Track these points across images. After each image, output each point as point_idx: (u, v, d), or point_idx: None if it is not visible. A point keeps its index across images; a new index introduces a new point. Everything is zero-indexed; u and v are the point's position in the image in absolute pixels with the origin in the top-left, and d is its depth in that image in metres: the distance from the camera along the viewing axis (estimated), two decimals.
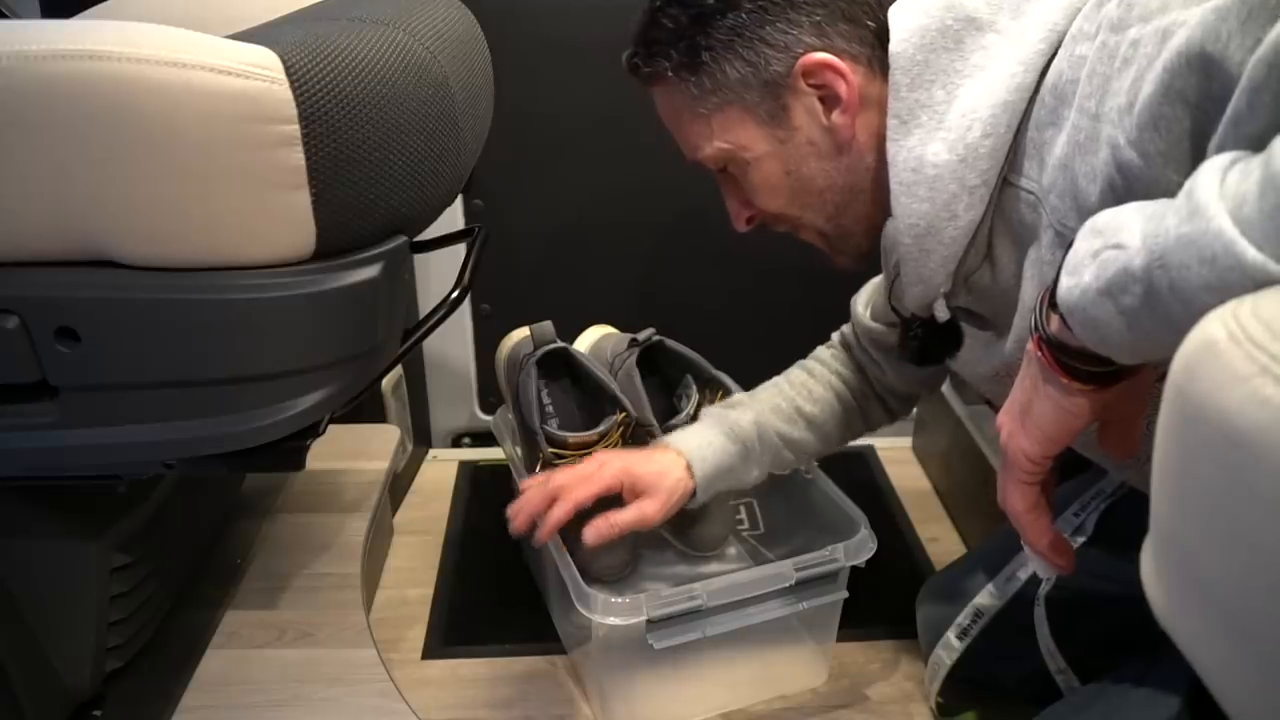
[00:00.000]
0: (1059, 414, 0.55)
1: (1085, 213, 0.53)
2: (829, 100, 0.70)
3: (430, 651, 1.03)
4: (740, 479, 0.90)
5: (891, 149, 0.67)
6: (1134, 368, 0.52)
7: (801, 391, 0.94)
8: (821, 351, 0.99)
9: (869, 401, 0.96)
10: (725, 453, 0.88)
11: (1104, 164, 0.53)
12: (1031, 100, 0.62)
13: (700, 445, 0.87)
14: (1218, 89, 0.45)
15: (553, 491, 0.83)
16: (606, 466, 0.84)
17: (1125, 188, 0.52)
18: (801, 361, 0.99)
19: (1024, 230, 0.64)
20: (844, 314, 1.01)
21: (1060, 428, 0.55)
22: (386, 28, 0.67)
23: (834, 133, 0.71)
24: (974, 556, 1.00)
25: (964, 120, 0.63)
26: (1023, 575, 0.88)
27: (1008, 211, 0.65)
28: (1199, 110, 0.47)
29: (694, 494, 0.86)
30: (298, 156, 0.59)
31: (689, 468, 0.85)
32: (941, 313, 0.73)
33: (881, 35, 0.69)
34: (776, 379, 0.97)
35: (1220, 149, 0.45)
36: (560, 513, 0.81)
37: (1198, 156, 0.47)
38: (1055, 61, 0.60)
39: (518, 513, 0.84)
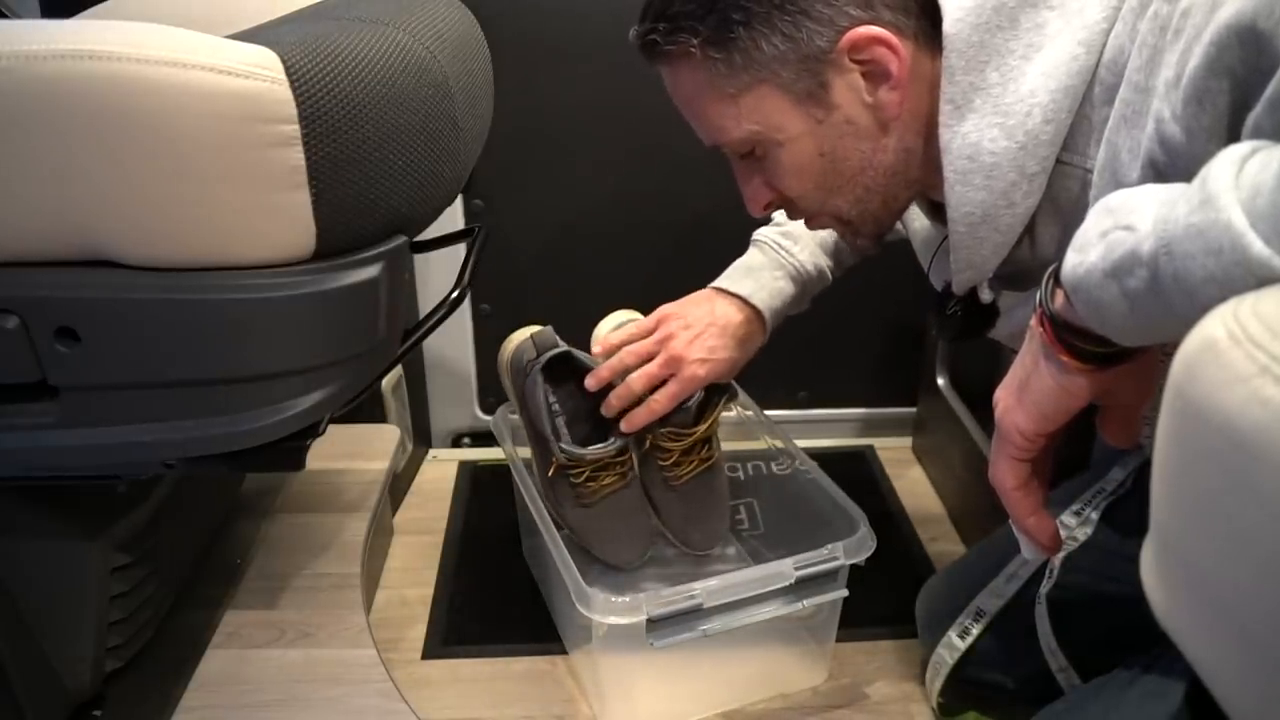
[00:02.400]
0: (1057, 392, 0.54)
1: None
2: (874, 76, 0.65)
3: (430, 651, 1.03)
4: (791, 312, 0.99)
5: (945, 135, 0.64)
6: (1135, 352, 0.51)
7: None
8: None
9: None
10: (790, 298, 0.96)
11: (1148, 138, 0.51)
12: (1091, 77, 0.59)
13: (772, 296, 0.95)
14: (1266, 63, 0.44)
15: (639, 395, 0.96)
16: (691, 378, 0.94)
17: (1168, 164, 0.50)
18: None
19: (1071, 207, 0.63)
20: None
21: (1057, 406, 0.55)
22: (386, 28, 0.67)
23: (878, 111, 0.66)
24: (974, 556, 1.00)
25: (1022, 105, 0.61)
26: (1024, 574, 0.88)
27: (1055, 189, 0.63)
28: (1245, 84, 0.45)
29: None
30: (298, 156, 0.59)
31: (764, 323, 0.95)
32: (986, 295, 0.71)
33: (925, 6, 0.64)
34: None
35: (1257, 127, 0.44)
36: (643, 420, 0.96)
37: (1236, 132, 0.46)
38: (1114, 36, 0.58)
39: (614, 400, 0.97)
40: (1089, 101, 0.60)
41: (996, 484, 0.61)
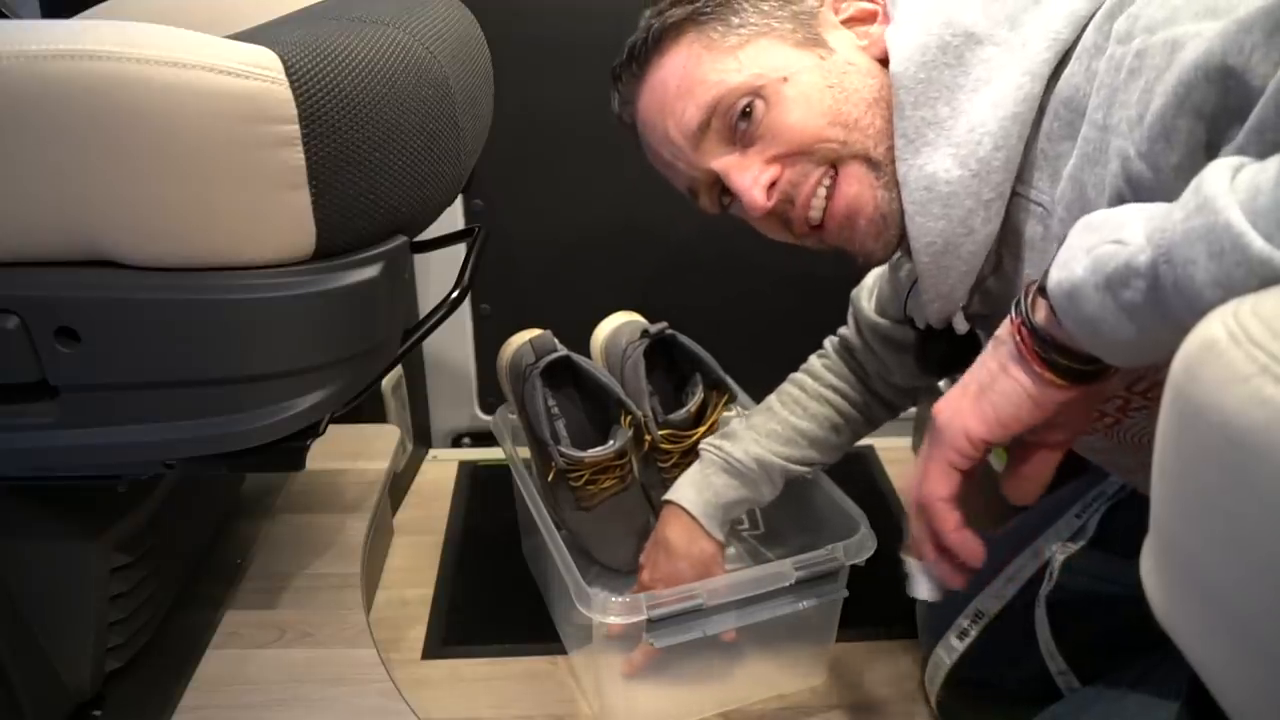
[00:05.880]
0: (1022, 402, 0.54)
1: None
2: (861, 24, 0.71)
3: (430, 651, 1.03)
4: (754, 503, 0.96)
5: (901, 169, 0.66)
6: (1110, 371, 0.52)
7: (795, 410, 0.96)
8: (813, 363, 1.00)
9: (870, 405, 0.97)
10: (727, 489, 0.93)
11: (1113, 176, 0.52)
12: (1042, 111, 0.61)
13: (701, 491, 0.93)
14: (1234, 101, 0.45)
15: None
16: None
17: (1134, 199, 0.51)
18: (793, 376, 1.00)
19: (1030, 240, 0.64)
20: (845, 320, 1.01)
21: (1016, 416, 0.54)
22: (386, 28, 0.67)
23: (873, 49, 0.70)
24: None
25: (973, 135, 0.63)
26: (1023, 576, 0.88)
27: (1012, 220, 0.65)
28: (1212, 123, 0.46)
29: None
30: (298, 156, 0.59)
31: (702, 527, 0.92)
32: (961, 325, 0.72)
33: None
34: (769, 399, 0.99)
35: (1240, 153, 0.44)
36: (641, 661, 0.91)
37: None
38: (1068, 75, 0.59)
39: None
40: (1044, 135, 0.61)
41: (925, 494, 0.60)
